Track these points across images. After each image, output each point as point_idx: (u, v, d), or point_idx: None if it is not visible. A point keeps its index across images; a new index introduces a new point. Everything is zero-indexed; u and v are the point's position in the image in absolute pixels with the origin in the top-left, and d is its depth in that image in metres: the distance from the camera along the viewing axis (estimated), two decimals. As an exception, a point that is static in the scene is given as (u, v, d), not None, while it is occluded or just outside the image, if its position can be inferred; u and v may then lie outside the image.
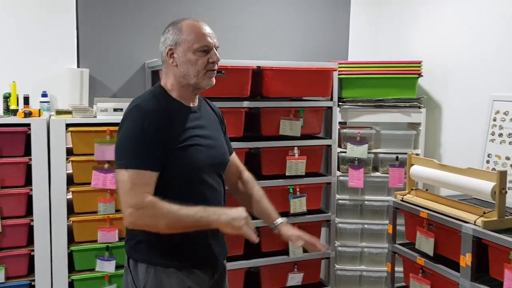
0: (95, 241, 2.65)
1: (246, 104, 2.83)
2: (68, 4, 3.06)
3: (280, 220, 1.90)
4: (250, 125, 2.89)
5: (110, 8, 3.16)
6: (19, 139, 2.53)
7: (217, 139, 1.78)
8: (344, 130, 3.13)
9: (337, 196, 3.15)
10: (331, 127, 3.08)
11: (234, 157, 1.97)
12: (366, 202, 3.18)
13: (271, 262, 2.94)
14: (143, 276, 1.66)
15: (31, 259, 2.58)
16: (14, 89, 2.70)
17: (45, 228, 2.56)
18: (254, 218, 2.88)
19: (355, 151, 3.07)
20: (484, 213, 2.06)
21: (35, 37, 3.00)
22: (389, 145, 3.14)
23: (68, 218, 2.60)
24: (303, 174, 2.96)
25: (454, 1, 2.99)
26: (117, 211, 2.63)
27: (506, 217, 2.04)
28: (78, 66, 3.10)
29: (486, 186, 2.05)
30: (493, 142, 2.62)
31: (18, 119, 2.53)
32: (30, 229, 2.57)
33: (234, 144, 2.09)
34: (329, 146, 3.08)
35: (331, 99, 3.05)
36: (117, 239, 2.66)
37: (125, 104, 2.67)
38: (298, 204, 2.94)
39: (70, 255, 2.64)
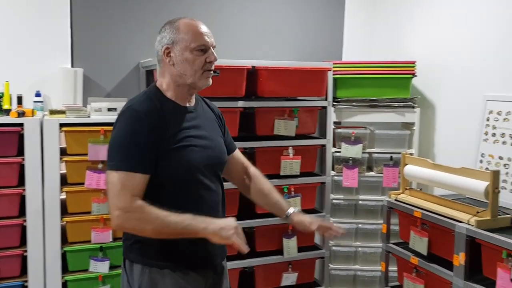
0: (89, 241, 2.64)
1: (241, 104, 2.83)
2: (62, 3, 3.04)
3: (291, 210, 1.91)
4: (245, 125, 2.88)
5: (105, 7, 3.15)
6: (12, 139, 2.51)
7: (213, 139, 1.76)
8: (339, 130, 3.14)
9: (332, 196, 3.16)
10: (326, 127, 3.08)
11: (237, 153, 1.96)
12: (360, 202, 3.19)
13: (265, 262, 2.94)
14: (138, 277, 1.65)
15: (24, 259, 2.56)
16: (7, 88, 2.68)
17: (38, 228, 2.55)
18: (253, 217, 2.89)
19: (349, 151, 3.07)
20: (477, 212, 2.07)
21: (28, 36, 2.98)
22: (383, 145, 3.15)
23: (61, 218, 2.59)
24: (298, 174, 2.96)
25: (448, 1, 3.00)
26: (111, 211, 2.62)
27: (499, 217, 2.05)
28: (72, 66, 3.08)
29: (479, 185, 2.06)
30: (486, 141, 2.63)
31: (11, 118, 2.51)
32: (23, 229, 2.55)
33: (229, 144, 2.09)
34: (324, 146, 3.08)
35: (326, 99, 3.06)
36: (111, 240, 2.65)
37: (119, 104, 2.67)
38: (293, 204, 2.93)
39: (64, 256, 2.63)
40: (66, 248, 2.62)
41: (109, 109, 2.67)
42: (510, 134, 2.51)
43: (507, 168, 2.50)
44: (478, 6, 2.78)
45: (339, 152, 3.10)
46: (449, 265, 2.14)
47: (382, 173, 3.10)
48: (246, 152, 2.82)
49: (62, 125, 2.57)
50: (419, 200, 2.39)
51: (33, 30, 2.99)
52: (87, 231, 2.63)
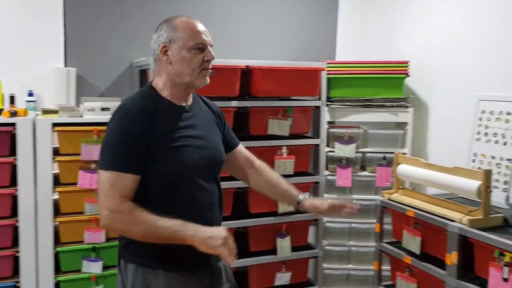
0: (82, 241, 2.63)
1: (234, 103, 2.83)
2: (55, 2, 3.02)
3: (301, 196, 1.90)
4: (238, 125, 2.88)
5: (98, 7, 3.13)
6: (5, 139, 2.49)
7: (210, 139, 1.74)
8: (332, 130, 3.14)
9: (325, 195, 3.16)
10: (319, 126, 3.09)
11: (241, 148, 1.94)
12: (353, 201, 3.18)
13: (259, 261, 2.94)
14: (132, 277, 1.64)
15: (16, 260, 2.55)
16: (-1, 88, 2.67)
17: (30, 229, 2.53)
18: (247, 217, 2.88)
19: (343, 150, 3.08)
20: (470, 211, 2.09)
21: (21, 36, 2.96)
22: (376, 145, 3.16)
23: (54, 218, 2.58)
24: (292, 173, 2.96)
25: (441, 1, 3.02)
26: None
27: (491, 216, 2.07)
28: (65, 65, 3.06)
29: (472, 184, 2.07)
30: (478, 141, 2.65)
31: (3, 118, 2.49)
32: (15, 230, 2.53)
33: (222, 144, 2.08)
34: (317, 145, 3.09)
35: (319, 99, 3.06)
36: (104, 240, 2.64)
37: (112, 104, 2.66)
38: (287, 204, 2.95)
39: (56, 256, 2.61)
40: (58, 249, 2.60)
41: (102, 109, 2.66)
42: (502, 134, 2.53)
43: (499, 168, 2.51)
44: (471, 6, 2.80)
45: (333, 151, 3.11)
46: (441, 264, 2.15)
47: (375, 172, 3.11)
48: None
49: (54, 124, 2.55)
50: (412, 200, 2.40)
51: (26, 29, 2.97)
52: (80, 232, 2.61)
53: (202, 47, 1.64)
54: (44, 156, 2.53)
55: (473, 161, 2.66)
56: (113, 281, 2.65)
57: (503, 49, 2.59)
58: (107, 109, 2.65)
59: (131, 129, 1.56)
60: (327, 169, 3.16)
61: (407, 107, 3.13)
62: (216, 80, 2.68)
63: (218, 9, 3.44)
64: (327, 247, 3.19)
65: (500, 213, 2.14)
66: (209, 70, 1.68)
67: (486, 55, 2.69)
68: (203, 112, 1.79)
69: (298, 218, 3.01)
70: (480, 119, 2.65)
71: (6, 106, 2.68)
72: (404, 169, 2.45)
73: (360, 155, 3.16)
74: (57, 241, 2.62)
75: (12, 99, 2.69)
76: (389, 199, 2.49)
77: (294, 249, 3.02)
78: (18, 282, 2.54)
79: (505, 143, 2.51)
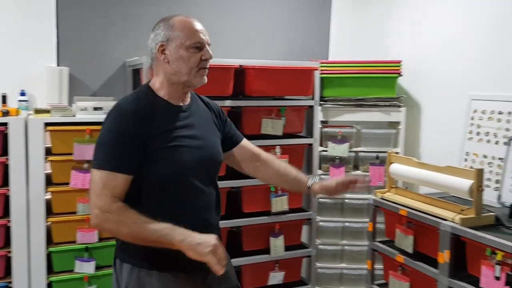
0: (74, 242, 2.61)
1: (228, 103, 2.82)
2: (47, 2, 3.00)
3: (310, 182, 1.90)
4: (231, 124, 2.88)
5: (90, 6, 3.12)
6: (-4, 139, 2.48)
7: (207, 139, 1.72)
8: (325, 129, 3.15)
9: (318, 196, 3.17)
10: (313, 126, 3.09)
11: (245, 143, 1.93)
12: (346, 201, 3.21)
13: (252, 261, 2.94)
14: (126, 277, 1.64)
15: (8, 260, 2.53)
16: (-10, 87, 2.65)
17: (22, 229, 2.52)
18: (240, 217, 2.88)
19: (336, 149, 3.09)
20: (462, 210, 2.10)
21: (13, 35, 2.94)
22: (369, 144, 3.18)
23: (46, 218, 2.56)
24: (285, 173, 2.96)
25: (434, 1, 3.03)
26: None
27: (483, 214, 2.08)
28: (57, 65, 3.05)
29: (464, 183, 2.08)
30: (471, 140, 2.66)
31: (-5, 118, 2.49)
32: (7, 230, 2.52)
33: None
34: (311, 145, 3.09)
35: (313, 98, 3.07)
36: (96, 240, 2.63)
37: (105, 103, 2.65)
38: (280, 203, 2.95)
39: (49, 256, 2.60)
40: (51, 249, 2.59)
41: (95, 108, 2.65)
42: (494, 133, 2.55)
43: (491, 167, 2.53)
44: (464, 6, 2.81)
45: (326, 151, 3.12)
46: (434, 263, 2.16)
47: (368, 171, 3.12)
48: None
49: (47, 124, 2.54)
50: (405, 199, 2.41)
51: (18, 28, 2.95)
52: (72, 232, 2.60)
53: (200, 46, 1.64)
54: (36, 156, 2.51)
55: (465, 160, 2.68)
56: (106, 282, 2.64)
57: (496, 49, 2.61)
58: (99, 108, 2.64)
59: (125, 129, 1.55)
60: (320, 168, 3.17)
61: (399, 106, 3.14)
62: (210, 79, 2.66)
63: (211, 9, 3.43)
64: (320, 246, 3.20)
65: (492, 212, 2.15)
66: (207, 70, 1.68)
67: (479, 55, 2.71)
68: (201, 111, 1.78)
69: (291, 218, 3.02)
70: (472, 119, 2.67)
71: (-2, 106, 2.66)
72: (396, 168, 2.46)
73: (353, 154, 3.17)
74: (49, 241, 2.60)
75: (4, 99, 2.68)
76: (382, 198, 2.50)
77: (287, 248, 3.02)
78: (10, 282, 2.52)
79: (497, 142, 2.53)
